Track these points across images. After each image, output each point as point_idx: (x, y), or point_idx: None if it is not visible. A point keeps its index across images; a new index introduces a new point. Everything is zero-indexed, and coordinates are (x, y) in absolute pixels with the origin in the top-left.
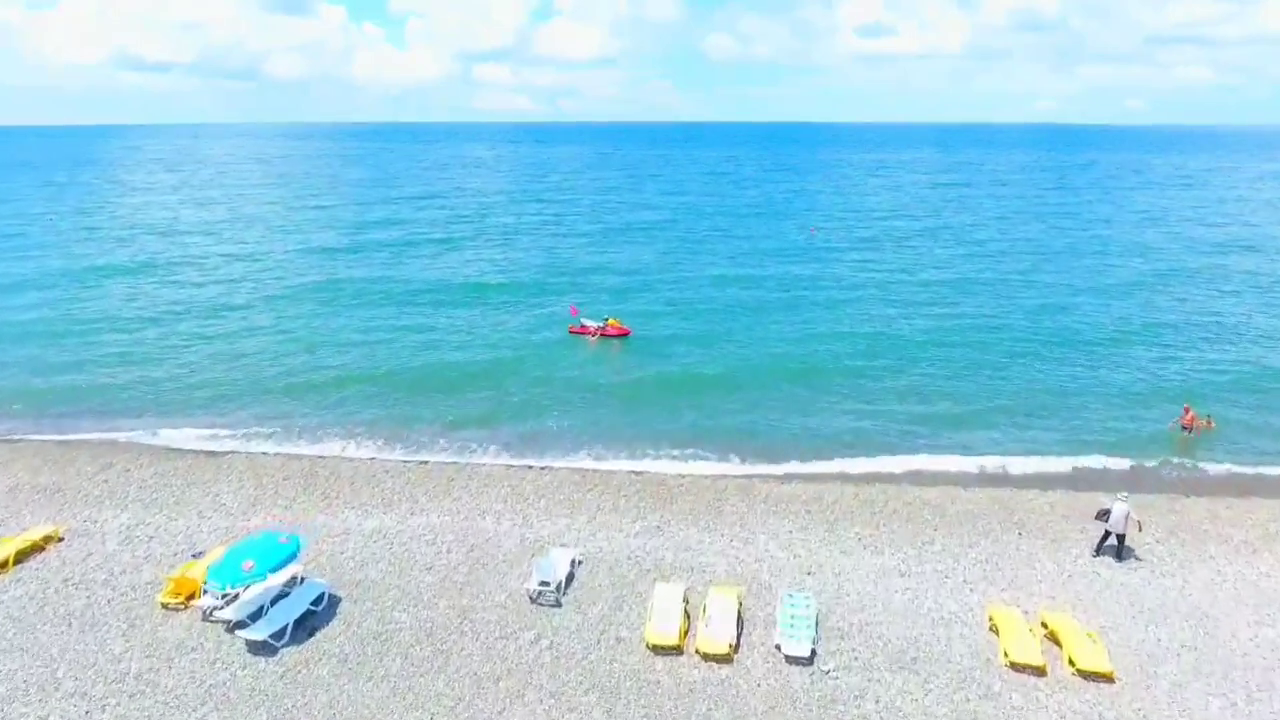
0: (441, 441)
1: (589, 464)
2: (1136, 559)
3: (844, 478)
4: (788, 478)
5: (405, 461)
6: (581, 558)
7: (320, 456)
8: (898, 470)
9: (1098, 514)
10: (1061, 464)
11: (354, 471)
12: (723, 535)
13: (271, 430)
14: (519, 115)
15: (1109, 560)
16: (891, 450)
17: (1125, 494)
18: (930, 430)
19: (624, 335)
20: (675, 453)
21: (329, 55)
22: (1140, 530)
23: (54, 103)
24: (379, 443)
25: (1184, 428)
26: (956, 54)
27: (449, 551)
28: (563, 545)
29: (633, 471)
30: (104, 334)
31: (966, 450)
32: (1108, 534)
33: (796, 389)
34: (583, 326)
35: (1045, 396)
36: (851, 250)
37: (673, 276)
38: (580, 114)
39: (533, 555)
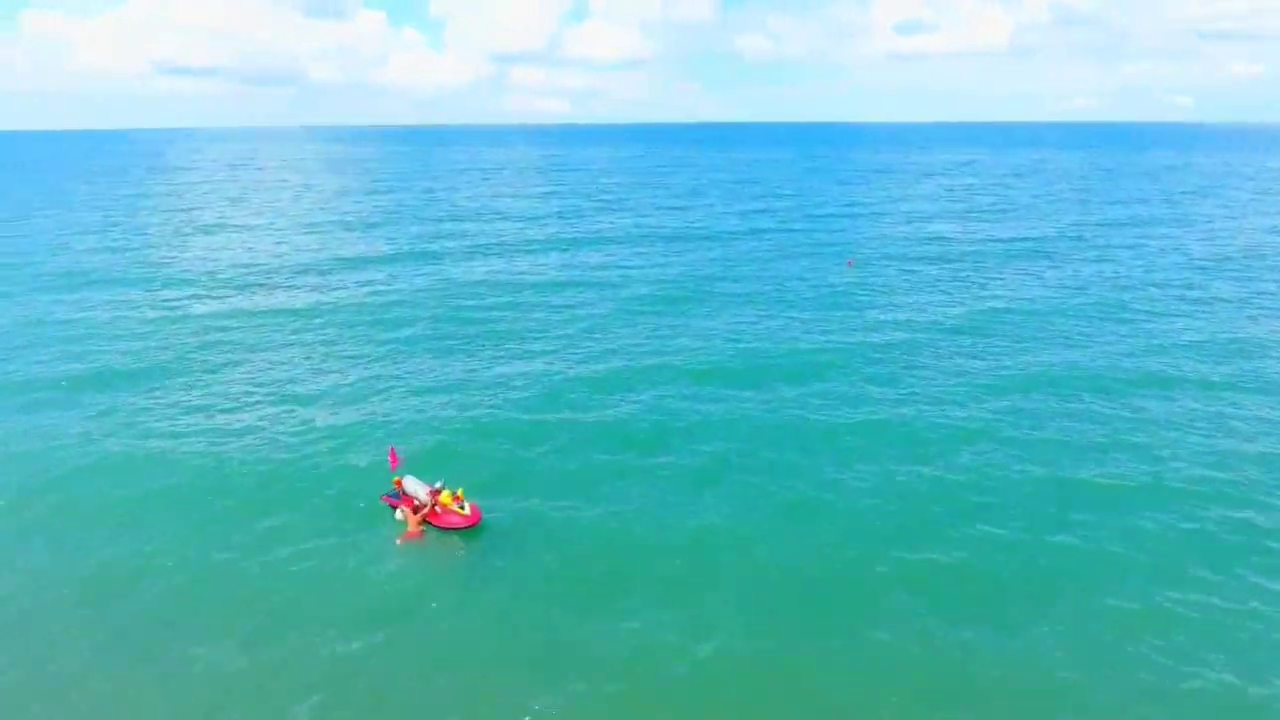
0: None
1: None
2: None
3: None
4: None
5: None
6: None
7: None
8: None
9: None
10: None
11: None
12: None
13: None
14: (551, 117)
15: None
16: None
17: None
18: None
19: (468, 527)
20: None
21: (367, 59)
22: None
23: (97, 108)
24: None
25: None
26: (989, 51)
27: None
28: None
29: None
30: None
31: None
32: None
33: None
34: (402, 498)
35: None
36: (917, 319)
37: (621, 389)
38: (611, 115)
39: None
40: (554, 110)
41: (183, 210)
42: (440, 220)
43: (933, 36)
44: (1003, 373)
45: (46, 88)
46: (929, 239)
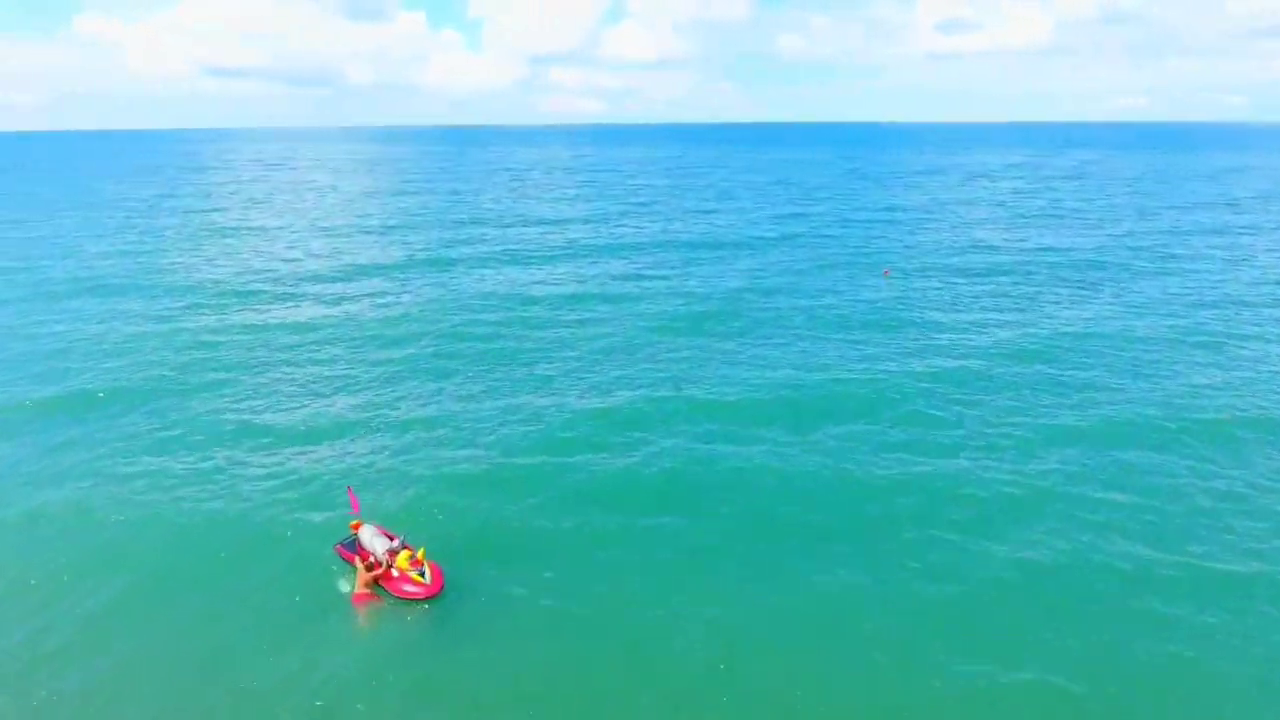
0: None
1: None
2: None
3: None
4: None
5: None
6: None
7: None
8: None
9: None
10: None
11: None
12: None
13: None
14: (587, 117)
15: None
16: None
17: None
18: None
19: (427, 597)
20: None
21: (406, 61)
22: None
23: (144, 109)
24: None
25: None
26: (1032, 50)
27: None
28: None
29: None
30: None
31: None
32: None
33: None
34: (357, 549)
35: None
36: (964, 343)
37: (631, 427)
38: (646, 115)
39: None
40: (590, 110)
41: (203, 211)
42: (460, 224)
43: (974, 35)
44: (1071, 411)
45: (97, 89)
46: (973, 248)
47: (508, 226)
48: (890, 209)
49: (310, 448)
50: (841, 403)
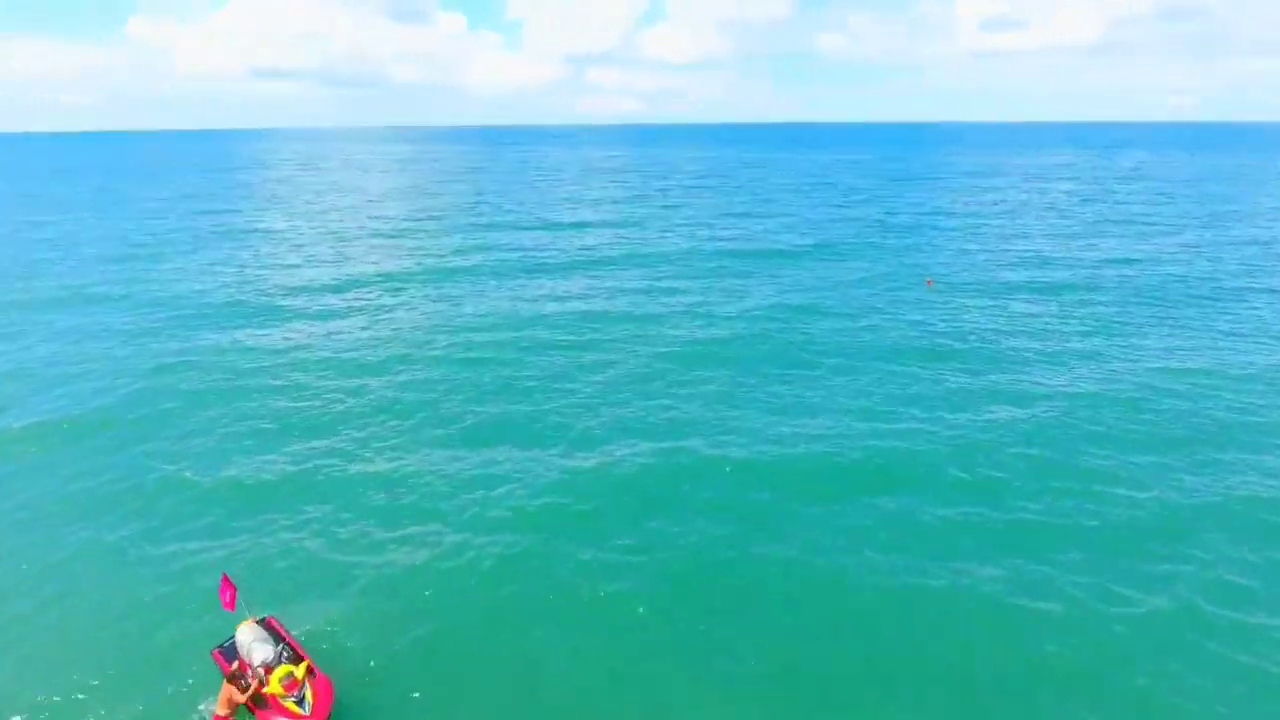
0: None
1: None
2: None
3: None
4: None
5: None
6: None
7: None
8: None
9: None
10: None
11: None
12: None
13: None
14: (625, 117)
15: None
16: None
17: None
18: None
19: None
20: None
21: (447, 61)
22: None
23: (196, 110)
24: None
25: None
26: (1081, 48)
27: None
28: None
29: None
30: None
31: None
32: None
33: None
34: (238, 661)
35: None
36: (1028, 381)
37: (628, 491)
38: (685, 115)
39: None
40: (627, 110)
41: (213, 213)
42: (476, 228)
43: (1019, 33)
44: (1183, 483)
45: (147, 91)
46: (1028, 259)
47: (524, 230)
48: (934, 213)
49: (232, 513)
50: (887, 459)
